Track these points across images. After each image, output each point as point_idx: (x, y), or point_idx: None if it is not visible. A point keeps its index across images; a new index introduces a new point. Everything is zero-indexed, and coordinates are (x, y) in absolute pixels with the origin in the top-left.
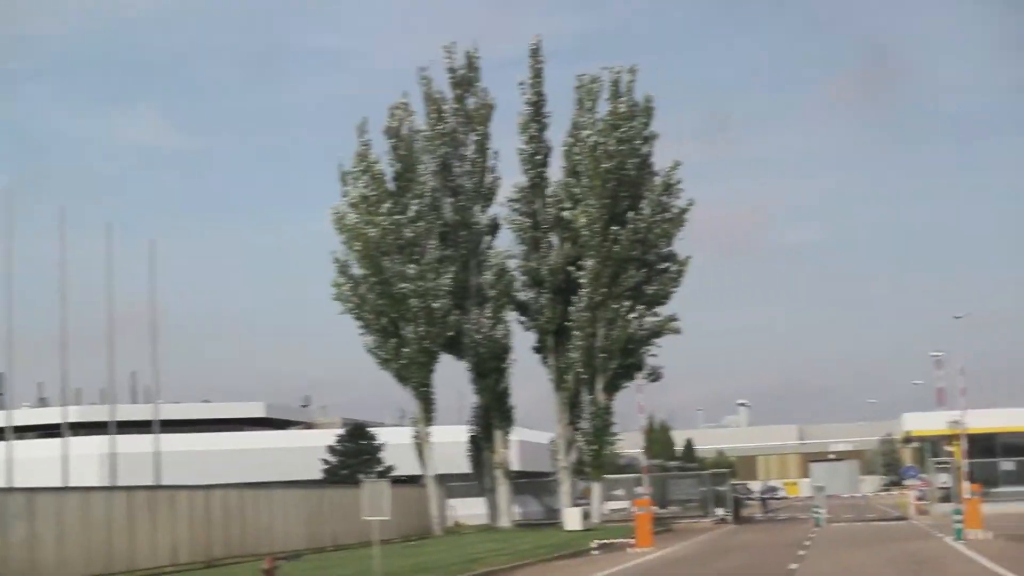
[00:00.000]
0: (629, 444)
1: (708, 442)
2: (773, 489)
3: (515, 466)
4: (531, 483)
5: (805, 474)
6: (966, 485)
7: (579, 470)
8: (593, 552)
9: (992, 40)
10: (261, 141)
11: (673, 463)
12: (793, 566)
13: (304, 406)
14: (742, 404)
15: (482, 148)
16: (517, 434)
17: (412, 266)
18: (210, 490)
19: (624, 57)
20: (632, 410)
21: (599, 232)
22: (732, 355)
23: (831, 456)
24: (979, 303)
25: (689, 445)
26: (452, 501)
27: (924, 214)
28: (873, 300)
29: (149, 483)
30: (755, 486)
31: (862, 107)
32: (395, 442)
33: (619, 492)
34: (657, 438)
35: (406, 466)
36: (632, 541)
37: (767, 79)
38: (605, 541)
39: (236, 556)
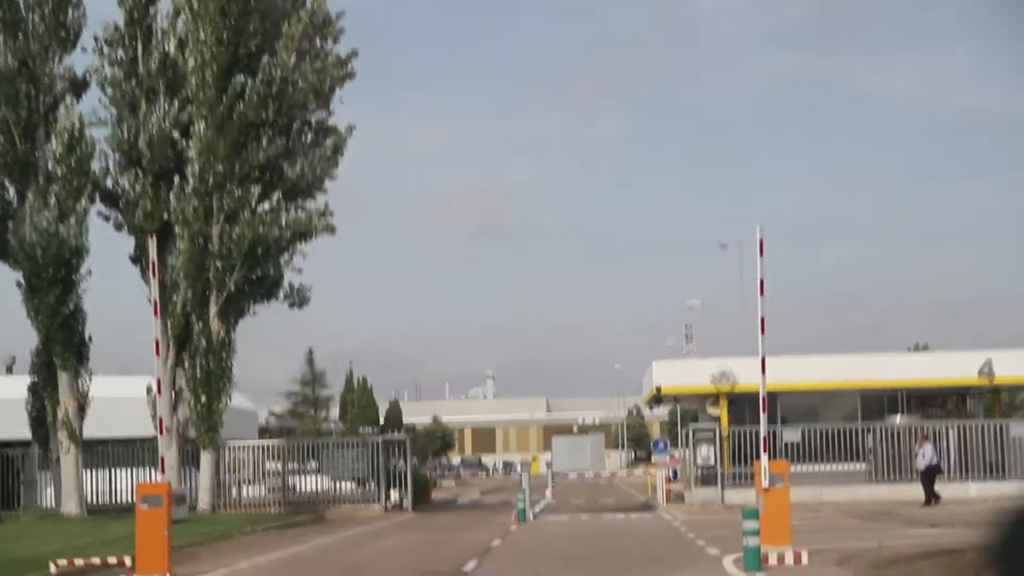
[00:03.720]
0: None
1: (455, 413)
2: (510, 465)
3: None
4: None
5: (549, 448)
6: (763, 464)
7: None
8: None
9: None
10: None
11: (369, 430)
12: None
13: None
14: (490, 376)
15: None
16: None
17: None
18: None
19: None
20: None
21: (215, 82)
22: (487, 331)
23: (575, 430)
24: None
25: (396, 410)
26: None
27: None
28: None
29: None
30: (490, 461)
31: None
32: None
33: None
34: (356, 400)
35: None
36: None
37: None
38: (91, 561)
39: None
